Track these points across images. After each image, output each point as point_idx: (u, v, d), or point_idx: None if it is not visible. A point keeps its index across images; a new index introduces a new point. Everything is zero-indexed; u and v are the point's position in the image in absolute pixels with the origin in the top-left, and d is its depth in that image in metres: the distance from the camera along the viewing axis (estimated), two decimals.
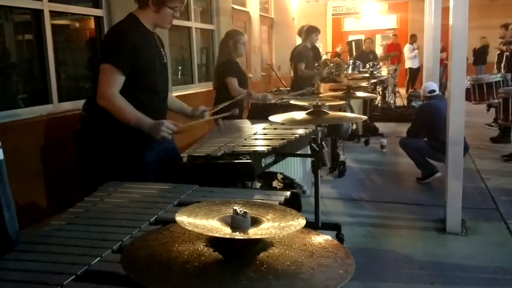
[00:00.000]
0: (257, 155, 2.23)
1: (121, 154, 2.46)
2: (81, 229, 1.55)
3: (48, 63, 4.19)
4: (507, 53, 6.72)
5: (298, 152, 2.72)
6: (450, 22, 3.62)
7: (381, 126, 8.02)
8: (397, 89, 10.40)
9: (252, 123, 3.14)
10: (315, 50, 6.81)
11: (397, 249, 3.53)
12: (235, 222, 1.05)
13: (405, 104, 9.81)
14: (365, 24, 16.47)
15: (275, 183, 3.48)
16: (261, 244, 1.03)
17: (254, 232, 1.00)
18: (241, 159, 2.18)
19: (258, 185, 2.68)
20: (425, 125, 5.06)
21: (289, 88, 6.68)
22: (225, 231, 1.00)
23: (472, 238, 3.65)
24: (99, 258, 1.32)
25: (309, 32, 6.31)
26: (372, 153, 6.62)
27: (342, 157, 5.58)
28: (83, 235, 1.50)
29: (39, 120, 3.96)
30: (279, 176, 3.33)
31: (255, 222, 1.08)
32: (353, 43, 11.37)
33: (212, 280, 0.92)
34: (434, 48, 7.68)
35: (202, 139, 2.67)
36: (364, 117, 2.28)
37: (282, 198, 1.84)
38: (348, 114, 2.69)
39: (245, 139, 2.56)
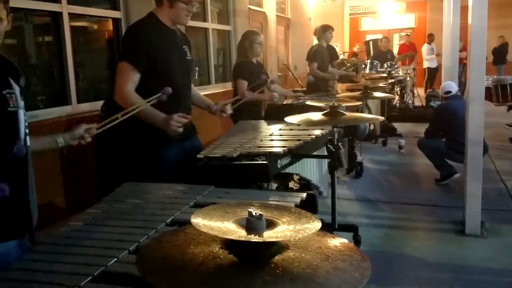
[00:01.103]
0: (272, 156, 2.22)
1: (139, 155, 2.48)
2: (98, 229, 1.57)
3: (67, 65, 4.25)
4: None
5: (314, 153, 2.70)
6: (469, 21, 3.57)
7: (399, 127, 7.94)
8: (415, 89, 10.28)
9: (268, 124, 3.13)
10: (331, 49, 6.76)
11: (415, 251, 3.49)
12: (250, 225, 1.04)
13: (424, 104, 9.70)
14: (382, 24, 16.32)
15: (291, 184, 3.47)
16: (276, 247, 1.02)
17: (269, 235, 0.99)
18: (257, 160, 2.18)
19: (274, 186, 2.68)
20: (442, 126, 5.01)
21: (305, 88, 6.66)
22: (240, 234, 1.00)
23: (492, 240, 3.59)
24: (115, 259, 1.33)
25: (323, 30, 6.27)
26: (390, 153, 6.56)
27: (359, 158, 5.54)
28: (100, 235, 1.51)
29: (58, 121, 4.01)
30: (295, 177, 3.32)
31: (270, 224, 1.08)
32: (371, 42, 11.29)
33: (227, 282, 0.92)
34: (453, 47, 7.58)
35: (218, 140, 2.67)
36: (381, 118, 2.25)
37: (298, 200, 1.83)
38: (365, 115, 2.67)
39: (261, 140, 2.56)
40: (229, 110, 2.60)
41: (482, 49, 3.51)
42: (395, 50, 12.44)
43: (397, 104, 9.55)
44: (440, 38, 10.30)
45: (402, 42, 13.52)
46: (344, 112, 2.34)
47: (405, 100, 9.85)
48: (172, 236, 1.13)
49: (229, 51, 7.68)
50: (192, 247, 1.05)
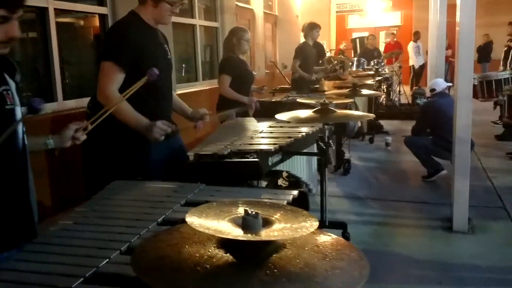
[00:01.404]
0: (264, 154, 2.21)
1: (125, 153, 2.45)
2: (88, 229, 1.53)
3: (52, 61, 4.18)
4: None
5: (304, 151, 2.69)
6: (458, 19, 3.59)
7: (385, 124, 8.00)
8: (401, 87, 10.35)
9: (258, 121, 3.11)
10: (319, 47, 6.78)
11: (404, 248, 3.51)
12: (246, 223, 1.03)
13: (410, 102, 9.77)
14: (369, 21, 16.40)
15: (280, 182, 3.46)
16: (273, 246, 1.01)
17: (267, 234, 0.98)
18: (248, 158, 2.16)
19: (264, 183, 2.67)
20: (428, 124, 5.07)
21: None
22: (237, 233, 0.98)
23: (479, 237, 3.63)
24: (107, 259, 1.30)
25: (310, 28, 6.29)
26: (377, 151, 6.59)
27: (347, 155, 5.56)
28: (91, 235, 1.48)
29: (44, 118, 3.94)
30: (284, 174, 3.31)
31: (266, 223, 1.06)
32: (357, 40, 11.35)
33: (225, 283, 0.90)
34: (439, 45, 7.63)
35: (208, 137, 2.65)
36: (372, 115, 2.25)
37: (290, 197, 1.82)
38: (356, 112, 2.67)
39: (251, 138, 2.54)
40: (207, 119, 2.57)
41: (470, 48, 3.54)
42: (382, 48, 12.52)
43: (384, 102, 9.61)
44: (426, 36, 10.37)
45: (388, 40, 13.60)
46: (335, 110, 2.33)
47: (391, 97, 9.92)
48: (166, 235, 1.11)
49: (217, 48, 7.65)
50: (187, 246, 1.03)
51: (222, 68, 4.11)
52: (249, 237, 0.96)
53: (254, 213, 1.03)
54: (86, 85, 4.95)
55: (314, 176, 3.20)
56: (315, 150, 3.06)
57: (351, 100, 3.59)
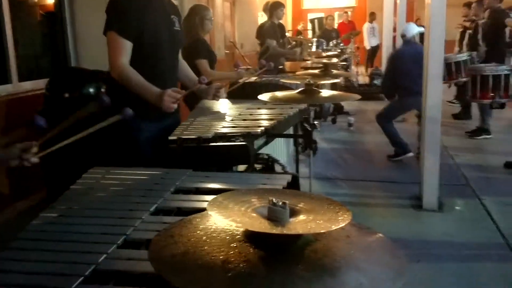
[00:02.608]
0: (251, 137, 2.12)
1: (114, 129, 2.28)
2: (77, 221, 1.41)
3: (6, 41, 3.91)
4: (470, 31, 6.83)
5: (285, 133, 2.62)
6: (428, 0, 3.60)
7: (345, 104, 8.04)
8: (358, 68, 10.47)
9: (233, 103, 3.01)
10: (281, 27, 6.68)
11: (378, 227, 3.43)
12: (273, 214, 0.94)
13: (368, 82, 9.89)
14: (324, 2, 16.43)
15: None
16: (304, 239, 0.93)
17: (301, 227, 0.90)
18: (234, 141, 2.06)
19: (240, 168, 2.58)
20: (393, 72, 5.14)
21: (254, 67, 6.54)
22: (266, 225, 0.90)
23: (449, 214, 3.71)
24: (105, 255, 1.19)
25: (274, 7, 6.17)
26: (341, 131, 6.63)
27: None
28: (81, 228, 1.35)
29: None
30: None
31: (293, 213, 0.98)
32: (316, 21, 11.34)
33: (263, 281, 0.82)
34: (400, 25, 7.72)
35: (185, 120, 2.52)
36: (358, 96, 2.20)
37: (285, 182, 1.75)
38: (342, 93, 2.62)
39: (232, 120, 2.44)
40: (223, 93, 2.46)
41: (442, 28, 3.56)
42: None
43: (342, 83, 9.67)
44: (381, 17, 10.49)
45: (341, 20, 13.68)
46: (320, 90, 2.26)
47: (349, 78, 10.00)
48: (181, 228, 1.01)
49: None
50: (209, 241, 0.94)
51: (194, 53, 3.87)
52: (286, 230, 0.88)
53: (281, 203, 0.95)
54: (43, 66, 4.67)
55: (291, 159, 3.15)
56: (292, 132, 3.01)
57: (339, 80, 3.53)
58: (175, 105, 2.14)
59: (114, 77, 2.20)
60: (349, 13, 14.09)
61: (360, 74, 10.51)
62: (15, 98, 3.91)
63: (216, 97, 2.53)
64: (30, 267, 1.14)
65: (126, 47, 2.18)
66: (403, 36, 5.19)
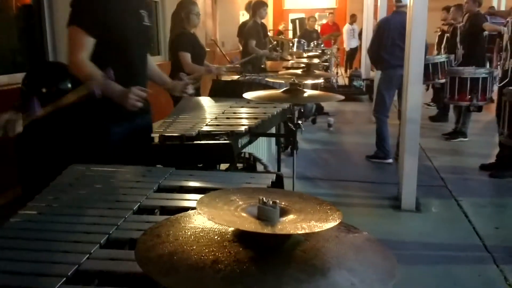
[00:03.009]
0: (235, 135, 2.10)
1: (84, 131, 2.23)
2: (57, 220, 1.37)
3: None
4: (448, 34, 6.94)
5: (268, 132, 2.61)
6: (410, 3, 3.63)
7: (325, 105, 8.08)
8: (338, 69, 10.53)
9: (216, 101, 2.99)
10: (264, 27, 6.67)
11: (357, 227, 3.55)
12: (263, 214, 0.93)
13: (347, 83, 9.96)
14: (305, 3, 16.49)
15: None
16: (293, 238, 0.92)
17: (293, 226, 0.89)
18: (218, 140, 2.04)
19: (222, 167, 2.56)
20: (379, 39, 5.04)
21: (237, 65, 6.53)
22: (261, 225, 0.88)
23: (426, 215, 3.76)
24: (87, 255, 1.16)
25: (257, 7, 6.16)
26: (320, 132, 6.66)
27: None
28: (62, 227, 1.32)
29: None
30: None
31: (283, 212, 0.97)
32: (297, 21, 11.35)
33: (255, 282, 0.80)
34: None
35: (167, 117, 2.49)
36: (341, 97, 2.20)
37: (269, 181, 1.74)
38: (326, 93, 2.62)
39: (216, 118, 2.42)
40: (190, 90, 2.41)
41: (423, 31, 3.59)
42: (318, 29, 12.62)
43: (322, 84, 9.72)
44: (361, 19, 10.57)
45: (325, 21, 13.74)
46: (305, 90, 2.26)
47: (329, 79, 10.05)
48: (168, 227, 0.98)
49: (156, 24, 7.32)
50: (197, 240, 0.92)
51: (178, 45, 3.88)
52: (277, 230, 0.87)
53: (271, 202, 0.94)
54: (19, 60, 4.56)
55: (273, 158, 3.14)
56: (274, 132, 3.01)
57: (323, 80, 3.53)
58: (140, 104, 2.06)
59: (73, 72, 2.12)
60: (328, 14, 14.13)
61: (340, 75, 10.56)
62: None
63: (183, 93, 2.47)
64: (10, 266, 1.10)
65: (88, 43, 2.10)
66: (398, 1, 4.92)
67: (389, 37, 4.86)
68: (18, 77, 3.91)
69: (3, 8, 4.42)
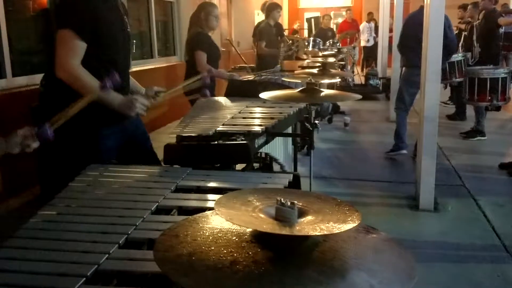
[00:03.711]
0: (251, 135, 2.10)
1: (77, 135, 2.15)
2: (76, 220, 1.38)
3: (0, 35, 3.85)
4: (465, 32, 6.85)
5: (285, 132, 2.61)
6: (427, 1, 3.59)
7: (341, 104, 8.04)
8: (355, 68, 10.46)
9: (232, 101, 2.99)
10: (278, 27, 6.67)
11: (374, 227, 3.53)
12: (281, 215, 0.93)
13: (363, 82, 9.89)
14: (320, 1, 16.43)
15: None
16: (312, 239, 0.92)
17: (312, 228, 0.88)
18: (235, 140, 2.05)
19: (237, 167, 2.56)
20: (406, 34, 5.02)
21: (252, 65, 6.53)
22: (279, 226, 0.88)
23: (444, 214, 3.71)
24: (107, 255, 1.17)
25: (270, 9, 6.22)
26: (336, 131, 6.63)
27: None
28: (80, 227, 1.33)
29: None
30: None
31: (301, 213, 0.97)
32: (312, 20, 11.31)
33: (273, 283, 0.80)
34: (397, 26, 7.71)
35: (184, 117, 2.51)
36: (359, 96, 2.18)
37: (286, 181, 1.74)
38: (343, 93, 2.61)
39: (232, 118, 2.42)
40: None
41: (440, 29, 3.55)
42: (335, 28, 12.55)
43: (338, 83, 9.66)
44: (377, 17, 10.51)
45: (340, 19, 13.65)
46: (322, 90, 2.25)
47: (345, 78, 9.99)
48: (187, 227, 0.99)
49: (172, 24, 7.37)
50: (215, 241, 0.92)
51: (195, 44, 3.91)
52: (295, 231, 0.87)
53: (289, 203, 0.94)
54: (37, 61, 4.62)
55: (289, 158, 3.13)
56: (291, 131, 3.00)
57: (340, 79, 3.52)
58: (145, 113, 2.04)
59: (62, 77, 2.04)
60: (345, 12, 13.99)
61: (356, 74, 10.49)
62: (9, 93, 3.87)
63: (153, 99, 2.28)
64: (30, 266, 1.12)
65: (80, 48, 2.04)
66: None
67: (414, 34, 4.82)
68: (37, 78, 3.97)
69: (21, 11, 4.49)
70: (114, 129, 2.21)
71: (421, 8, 4.95)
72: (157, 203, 1.52)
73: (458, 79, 5.95)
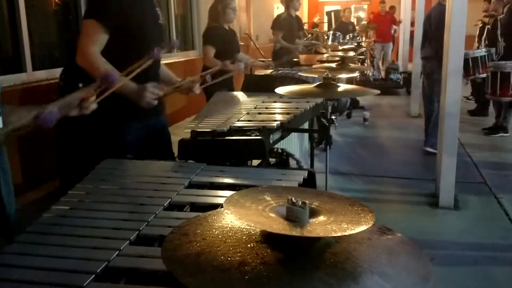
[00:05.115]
0: (266, 131, 2.07)
1: (98, 129, 2.19)
2: (88, 215, 1.38)
3: (20, 29, 3.90)
4: (489, 26, 6.68)
5: (301, 127, 2.57)
6: None
7: (361, 99, 7.95)
8: (375, 62, 10.33)
9: (248, 96, 2.97)
10: (298, 19, 6.61)
11: (392, 224, 3.37)
12: (292, 214, 0.90)
13: (383, 77, 9.76)
14: None
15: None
16: (324, 240, 0.89)
17: (324, 229, 0.86)
18: (250, 135, 2.02)
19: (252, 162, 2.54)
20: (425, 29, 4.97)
21: (269, 59, 6.49)
22: (289, 227, 0.86)
23: (465, 212, 3.63)
24: (117, 251, 1.16)
25: None
26: (355, 126, 6.55)
27: None
28: (92, 222, 1.33)
29: (12, 90, 3.69)
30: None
31: (312, 213, 0.94)
32: (332, 13, 11.20)
33: (283, 286, 0.78)
34: (419, 19, 7.57)
35: (199, 112, 2.49)
36: (377, 91, 2.13)
37: (301, 178, 1.71)
38: (361, 88, 2.56)
39: (248, 113, 2.40)
40: (197, 90, 2.26)
41: (462, 24, 3.46)
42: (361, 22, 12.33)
43: (358, 77, 9.55)
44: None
45: (360, 13, 13.46)
46: (339, 84, 2.21)
47: (365, 72, 9.88)
48: (196, 225, 0.97)
49: (191, 18, 7.36)
50: (224, 240, 0.90)
51: (205, 38, 3.91)
52: (306, 232, 0.84)
53: (300, 202, 0.91)
54: (57, 55, 4.66)
55: (305, 153, 3.10)
56: (307, 127, 2.96)
57: (358, 73, 3.46)
58: (156, 102, 2.03)
59: (81, 64, 2.07)
60: (381, 4, 13.54)
61: (377, 69, 10.36)
62: (29, 87, 3.91)
63: (190, 92, 2.30)
64: (40, 262, 1.11)
65: (102, 37, 2.06)
66: None
67: (430, 25, 4.73)
68: (56, 72, 4.00)
69: (41, 4, 4.52)
70: (137, 125, 2.22)
71: (442, 3, 4.85)
72: (170, 199, 1.50)
73: (482, 75, 5.81)
